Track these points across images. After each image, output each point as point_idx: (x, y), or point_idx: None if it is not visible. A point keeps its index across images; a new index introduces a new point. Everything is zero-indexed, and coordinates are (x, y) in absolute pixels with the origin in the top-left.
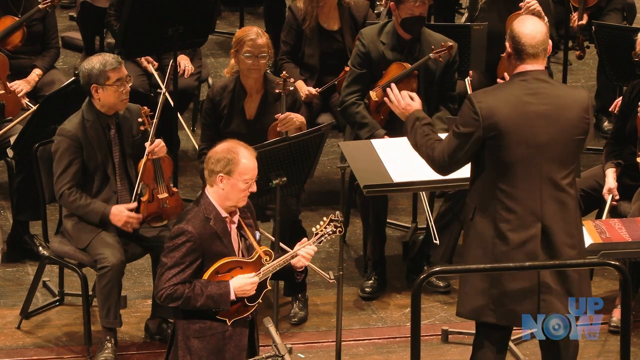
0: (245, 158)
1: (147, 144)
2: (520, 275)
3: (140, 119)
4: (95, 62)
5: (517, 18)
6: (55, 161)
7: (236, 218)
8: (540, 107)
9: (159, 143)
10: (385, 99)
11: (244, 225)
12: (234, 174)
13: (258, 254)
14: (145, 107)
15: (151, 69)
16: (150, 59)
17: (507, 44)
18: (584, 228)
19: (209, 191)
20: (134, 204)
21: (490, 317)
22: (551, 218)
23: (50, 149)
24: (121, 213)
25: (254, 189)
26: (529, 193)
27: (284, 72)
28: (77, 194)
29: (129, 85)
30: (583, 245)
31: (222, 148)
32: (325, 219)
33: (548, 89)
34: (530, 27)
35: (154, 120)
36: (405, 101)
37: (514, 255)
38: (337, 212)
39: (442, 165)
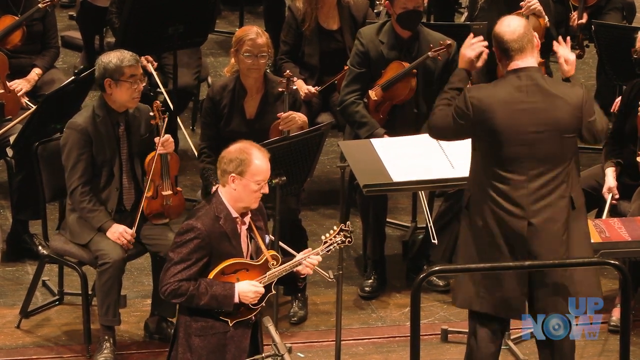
0: (258, 159)
1: (157, 139)
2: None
3: (151, 113)
4: (112, 56)
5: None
6: (65, 155)
7: (247, 219)
8: (531, 104)
9: (168, 138)
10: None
11: (254, 228)
12: (246, 174)
13: (265, 258)
14: (158, 102)
15: (150, 68)
16: (150, 58)
17: (494, 50)
18: None
19: (222, 191)
20: (132, 231)
21: (481, 306)
22: (538, 216)
23: (51, 148)
24: (117, 230)
25: (265, 190)
26: (518, 190)
27: (287, 71)
28: (87, 195)
29: (143, 84)
30: (578, 244)
31: (236, 148)
32: (335, 227)
33: (540, 87)
34: (509, 24)
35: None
36: (467, 53)
37: (500, 249)
38: (348, 222)
39: (431, 130)
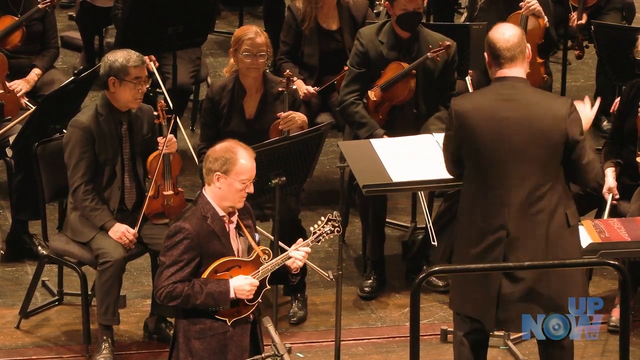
0: (244, 158)
1: (160, 139)
2: (484, 278)
3: (155, 113)
4: (119, 55)
5: (516, 17)
6: (67, 153)
7: (234, 218)
8: (511, 113)
9: (171, 138)
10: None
11: (243, 226)
12: (230, 173)
13: (257, 253)
14: (162, 101)
15: (152, 67)
16: (153, 57)
17: (485, 54)
18: (582, 227)
19: (207, 190)
20: (134, 231)
21: (473, 310)
22: (517, 227)
23: (50, 148)
24: (119, 229)
25: (250, 190)
26: (498, 199)
27: (288, 71)
28: (90, 194)
29: (146, 86)
30: (567, 255)
31: (221, 147)
32: (323, 218)
33: (522, 96)
34: (505, 32)
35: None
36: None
37: (480, 259)
38: (335, 212)
39: (447, 169)
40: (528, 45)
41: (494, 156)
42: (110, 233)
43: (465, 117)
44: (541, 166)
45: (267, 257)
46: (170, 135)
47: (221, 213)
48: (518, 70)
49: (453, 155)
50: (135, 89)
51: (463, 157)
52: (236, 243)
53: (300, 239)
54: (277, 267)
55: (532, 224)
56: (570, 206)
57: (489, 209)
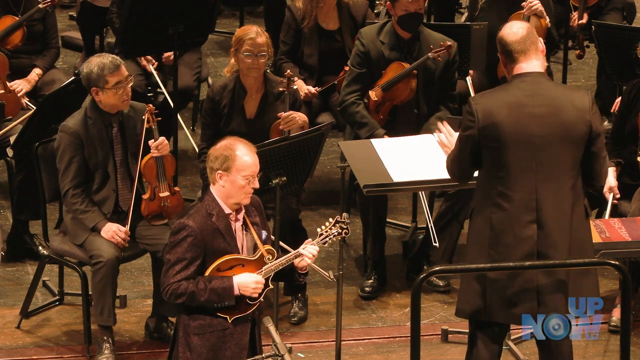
0: (244, 154)
1: (151, 142)
2: (518, 276)
3: (144, 117)
4: (93, 65)
5: (518, 18)
6: (58, 158)
7: (241, 216)
8: (537, 108)
9: (163, 141)
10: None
11: (249, 224)
12: (232, 170)
13: (260, 253)
14: (151, 105)
15: (150, 68)
16: (150, 58)
17: (499, 55)
18: None
19: (213, 189)
20: (125, 229)
21: (488, 317)
22: (547, 220)
23: (51, 148)
24: (110, 229)
25: (255, 185)
26: (525, 194)
27: (288, 71)
28: (79, 197)
29: (130, 85)
30: (585, 250)
31: (221, 145)
32: (331, 219)
33: (545, 91)
34: (512, 26)
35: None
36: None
37: (509, 256)
38: (344, 214)
39: (449, 170)
40: (540, 39)
41: (522, 151)
42: (102, 233)
43: (491, 115)
44: (567, 158)
45: (271, 257)
46: (161, 138)
47: (227, 211)
48: (534, 63)
49: (470, 156)
50: (118, 93)
51: (482, 156)
52: (241, 240)
53: (310, 239)
54: (280, 268)
55: (560, 215)
56: (584, 198)
57: (517, 205)
